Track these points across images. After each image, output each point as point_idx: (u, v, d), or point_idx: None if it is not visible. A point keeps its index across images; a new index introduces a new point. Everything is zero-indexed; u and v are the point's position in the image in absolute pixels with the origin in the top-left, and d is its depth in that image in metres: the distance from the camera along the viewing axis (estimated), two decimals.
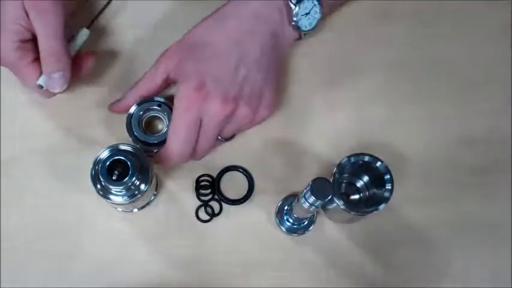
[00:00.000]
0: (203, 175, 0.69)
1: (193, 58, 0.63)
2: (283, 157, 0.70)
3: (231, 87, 0.63)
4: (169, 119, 0.65)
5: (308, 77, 0.72)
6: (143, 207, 0.68)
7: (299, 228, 0.67)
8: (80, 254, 0.66)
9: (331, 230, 0.68)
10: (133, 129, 0.66)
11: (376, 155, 0.63)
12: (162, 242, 0.67)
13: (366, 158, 0.63)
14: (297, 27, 0.66)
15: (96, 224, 0.67)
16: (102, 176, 0.60)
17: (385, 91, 0.72)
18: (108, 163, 0.60)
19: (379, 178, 0.63)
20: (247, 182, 0.69)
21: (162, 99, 0.67)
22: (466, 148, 0.71)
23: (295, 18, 0.66)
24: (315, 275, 0.67)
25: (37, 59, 0.63)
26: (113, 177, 0.61)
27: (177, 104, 0.62)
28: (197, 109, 0.62)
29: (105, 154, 0.61)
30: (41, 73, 0.63)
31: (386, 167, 0.62)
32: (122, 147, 0.62)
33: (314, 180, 0.55)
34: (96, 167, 0.61)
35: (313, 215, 0.68)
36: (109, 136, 0.68)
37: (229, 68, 0.63)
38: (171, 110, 0.65)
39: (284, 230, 0.67)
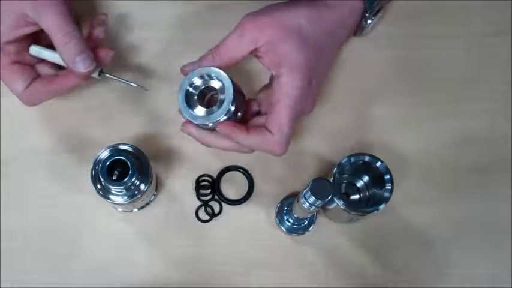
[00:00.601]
0: (203, 175, 0.69)
1: (297, 45, 0.60)
2: (283, 157, 0.69)
3: (320, 90, 0.63)
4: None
5: None
6: (143, 207, 0.68)
7: (299, 228, 0.67)
8: (80, 254, 0.66)
9: (331, 230, 0.68)
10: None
11: (376, 155, 0.63)
12: (162, 242, 0.67)
13: (366, 158, 0.63)
14: (358, 34, 0.70)
15: (96, 224, 0.67)
16: (102, 176, 0.60)
17: (385, 91, 0.72)
18: (108, 163, 0.60)
19: (379, 178, 0.63)
20: (247, 182, 0.69)
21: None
22: (466, 148, 0.71)
23: (364, 28, 0.69)
24: (315, 275, 0.67)
25: (16, 62, 0.63)
26: (113, 177, 0.61)
27: (290, 93, 0.59)
28: (307, 100, 0.61)
29: (105, 154, 0.61)
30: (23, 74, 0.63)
31: (387, 167, 0.62)
32: (122, 147, 0.62)
33: (314, 180, 0.55)
34: (96, 167, 0.61)
35: (313, 215, 0.68)
36: (109, 136, 0.68)
37: (324, 72, 0.63)
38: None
39: (284, 230, 0.67)
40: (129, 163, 0.60)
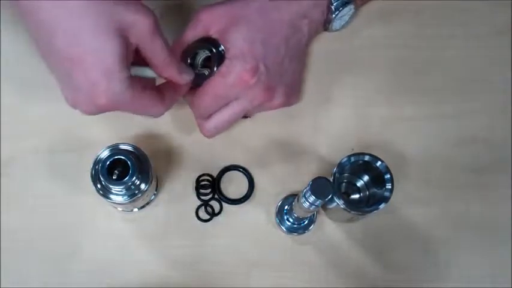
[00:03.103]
0: (203, 175, 0.69)
1: (247, 34, 0.63)
2: (283, 157, 0.70)
3: (276, 78, 0.64)
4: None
5: (308, 76, 0.72)
6: (143, 207, 0.68)
7: (299, 227, 0.67)
8: (80, 254, 0.66)
9: (331, 229, 0.68)
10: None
11: (376, 155, 0.63)
12: (162, 242, 0.67)
13: (366, 158, 0.63)
14: (328, 28, 0.71)
15: (96, 224, 0.67)
16: (102, 176, 0.60)
17: (385, 91, 0.72)
18: (108, 163, 0.60)
19: (379, 178, 0.63)
20: (247, 182, 0.69)
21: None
22: (466, 148, 0.71)
23: (330, 22, 0.69)
24: (315, 275, 0.67)
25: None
26: (113, 177, 0.61)
27: (225, 74, 0.62)
28: (240, 89, 0.62)
29: (105, 154, 0.61)
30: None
31: (387, 167, 0.63)
32: (122, 147, 0.62)
33: (314, 180, 0.55)
34: (96, 167, 0.61)
35: (313, 215, 0.68)
36: (109, 136, 0.68)
37: (279, 57, 0.64)
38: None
39: (284, 229, 0.67)
40: (129, 163, 0.60)
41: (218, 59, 0.63)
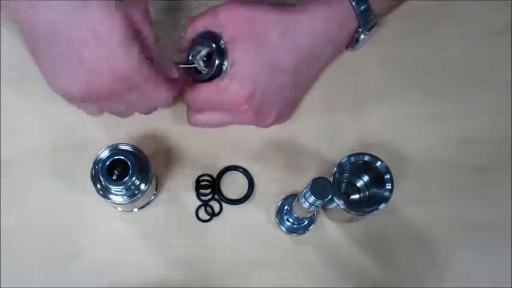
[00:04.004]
0: (203, 175, 0.69)
1: (258, 57, 0.60)
2: (283, 157, 0.70)
3: (270, 103, 0.63)
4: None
5: None
6: (143, 207, 0.68)
7: (299, 228, 0.67)
8: (80, 254, 0.66)
9: (331, 230, 0.68)
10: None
11: (376, 155, 0.63)
12: (162, 242, 0.67)
13: (366, 158, 0.63)
14: (350, 49, 0.69)
15: (96, 224, 0.67)
16: (102, 176, 0.60)
17: (385, 91, 0.72)
18: (108, 163, 0.60)
19: (379, 178, 0.63)
20: (247, 182, 0.69)
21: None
22: (466, 148, 0.71)
23: (356, 44, 0.67)
24: (315, 275, 0.67)
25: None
26: (113, 177, 0.61)
27: (220, 89, 0.61)
28: (232, 109, 0.62)
29: (105, 154, 0.61)
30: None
31: (386, 167, 0.63)
32: (122, 147, 0.62)
33: (314, 180, 0.55)
34: (96, 167, 0.61)
35: (313, 215, 0.68)
36: (109, 136, 0.68)
37: (281, 85, 0.63)
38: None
39: (284, 230, 0.67)
40: (129, 163, 0.60)
41: (220, 55, 0.61)
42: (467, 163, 0.70)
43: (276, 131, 0.70)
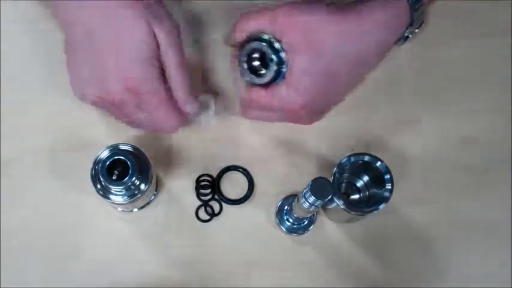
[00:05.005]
0: (203, 175, 0.69)
1: (315, 66, 0.60)
2: (283, 157, 0.70)
3: (324, 108, 0.64)
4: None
5: None
6: (143, 207, 0.68)
7: (299, 228, 0.67)
8: (80, 254, 0.66)
9: (331, 230, 0.68)
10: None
11: (376, 155, 0.63)
12: (162, 242, 0.67)
13: (366, 158, 0.63)
14: (397, 45, 0.67)
15: (96, 224, 0.67)
16: (102, 176, 0.60)
17: (385, 91, 0.72)
18: (108, 163, 0.60)
19: (379, 178, 0.63)
20: (247, 182, 0.69)
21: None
22: (466, 148, 0.71)
23: (404, 40, 0.67)
24: (315, 275, 0.67)
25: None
26: (113, 177, 0.61)
27: (275, 96, 0.61)
28: (286, 114, 0.63)
29: (105, 154, 0.61)
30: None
31: (386, 167, 0.63)
32: (122, 147, 0.62)
33: (314, 180, 0.55)
34: (96, 167, 0.61)
35: (313, 215, 0.68)
36: (109, 136, 0.68)
37: (334, 93, 0.63)
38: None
39: (284, 230, 0.67)
40: (129, 163, 0.60)
41: (277, 60, 0.61)
42: (467, 163, 0.70)
43: (276, 131, 0.70)
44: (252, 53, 0.62)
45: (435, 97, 0.72)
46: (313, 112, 0.63)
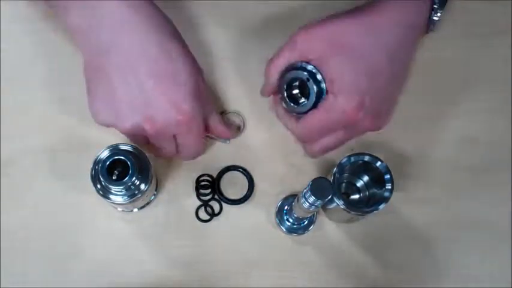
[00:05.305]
0: (203, 175, 0.69)
1: (350, 65, 0.60)
2: (283, 157, 0.70)
3: (381, 104, 0.62)
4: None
5: None
6: (143, 207, 0.68)
7: (299, 228, 0.67)
8: (80, 254, 0.66)
9: (331, 230, 0.68)
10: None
11: (376, 155, 0.63)
12: (162, 242, 0.67)
13: (366, 158, 0.63)
14: (429, 30, 0.66)
15: (96, 224, 0.67)
16: (102, 176, 0.60)
17: None
18: (108, 163, 0.60)
19: (379, 178, 0.63)
20: (247, 182, 0.69)
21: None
22: (465, 148, 0.71)
23: (434, 22, 0.65)
24: (315, 275, 0.67)
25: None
26: (113, 177, 0.61)
27: (330, 110, 0.60)
28: (347, 124, 0.61)
29: (105, 154, 0.61)
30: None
31: (387, 167, 0.63)
32: (122, 147, 0.62)
33: (314, 180, 0.55)
34: (96, 167, 0.61)
35: (313, 215, 0.68)
36: (109, 136, 0.68)
37: (383, 83, 0.61)
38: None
39: (284, 230, 0.67)
40: (129, 163, 0.60)
41: (317, 87, 0.60)
42: (467, 163, 0.70)
43: (276, 131, 0.70)
44: (292, 82, 0.63)
45: (435, 97, 0.72)
46: (373, 114, 0.61)
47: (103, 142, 0.63)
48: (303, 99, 0.63)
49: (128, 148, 0.62)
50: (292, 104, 0.63)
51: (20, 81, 0.70)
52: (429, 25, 0.65)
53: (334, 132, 0.62)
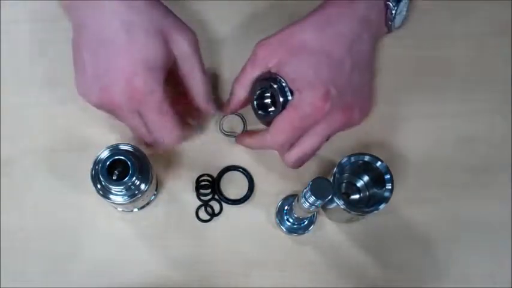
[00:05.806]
0: (203, 175, 0.69)
1: (308, 60, 0.61)
2: None
3: (349, 94, 0.63)
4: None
5: None
6: (143, 207, 0.68)
7: (299, 228, 0.67)
8: (79, 254, 0.66)
9: (331, 230, 0.68)
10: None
11: (376, 155, 0.63)
12: (162, 242, 0.67)
13: (366, 158, 0.63)
14: (391, 27, 0.68)
15: (96, 223, 0.67)
16: (102, 176, 0.60)
17: (386, 90, 0.72)
18: (108, 163, 0.60)
19: (379, 178, 0.63)
20: (247, 182, 0.69)
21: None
22: (465, 148, 0.71)
23: (392, 19, 0.67)
24: (315, 275, 0.67)
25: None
26: (113, 177, 0.61)
27: (297, 107, 0.61)
28: (318, 117, 0.61)
29: (105, 154, 0.61)
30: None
31: (387, 167, 0.63)
32: (122, 147, 0.62)
33: (314, 180, 0.55)
34: (96, 167, 0.61)
35: (313, 215, 0.68)
36: (109, 136, 0.68)
37: (346, 73, 0.62)
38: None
39: (284, 230, 0.67)
40: (129, 163, 0.60)
41: (282, 93, 0.62)
42: (466, 163, 0.70)
43: None
44: (263, 93, 0.65)
45: (435, 97, 0.72)
46: (343, 106, 0.62)
47: (103, 142, 0.63)
48: (272, 108, 0.65)
49: (128, 148, 0.62)
50: (260, 112, 0.65)
51: (20, 81, 0.70)
52: (387, 22, 0.67)
53: (308, 135, 0.63)
